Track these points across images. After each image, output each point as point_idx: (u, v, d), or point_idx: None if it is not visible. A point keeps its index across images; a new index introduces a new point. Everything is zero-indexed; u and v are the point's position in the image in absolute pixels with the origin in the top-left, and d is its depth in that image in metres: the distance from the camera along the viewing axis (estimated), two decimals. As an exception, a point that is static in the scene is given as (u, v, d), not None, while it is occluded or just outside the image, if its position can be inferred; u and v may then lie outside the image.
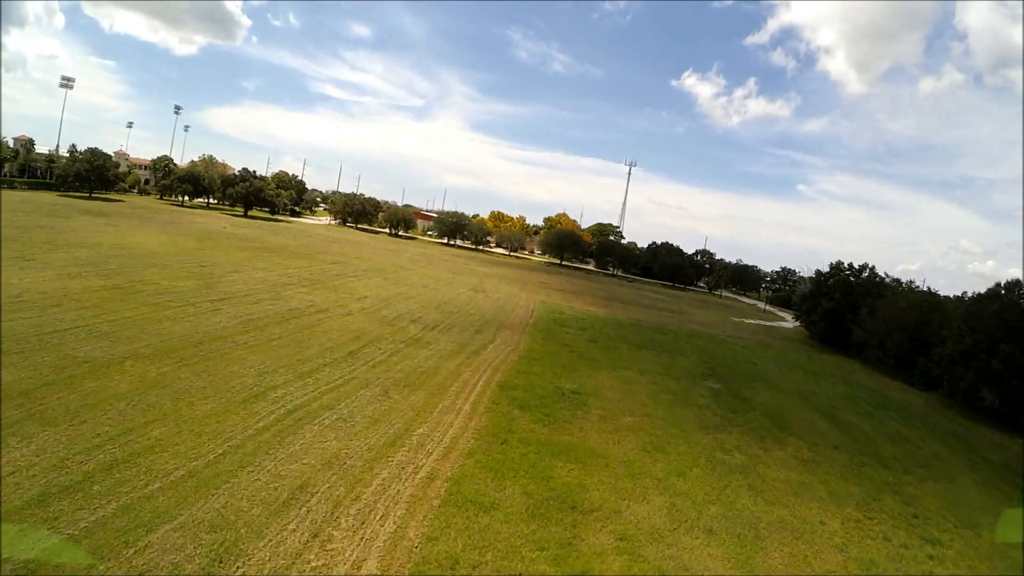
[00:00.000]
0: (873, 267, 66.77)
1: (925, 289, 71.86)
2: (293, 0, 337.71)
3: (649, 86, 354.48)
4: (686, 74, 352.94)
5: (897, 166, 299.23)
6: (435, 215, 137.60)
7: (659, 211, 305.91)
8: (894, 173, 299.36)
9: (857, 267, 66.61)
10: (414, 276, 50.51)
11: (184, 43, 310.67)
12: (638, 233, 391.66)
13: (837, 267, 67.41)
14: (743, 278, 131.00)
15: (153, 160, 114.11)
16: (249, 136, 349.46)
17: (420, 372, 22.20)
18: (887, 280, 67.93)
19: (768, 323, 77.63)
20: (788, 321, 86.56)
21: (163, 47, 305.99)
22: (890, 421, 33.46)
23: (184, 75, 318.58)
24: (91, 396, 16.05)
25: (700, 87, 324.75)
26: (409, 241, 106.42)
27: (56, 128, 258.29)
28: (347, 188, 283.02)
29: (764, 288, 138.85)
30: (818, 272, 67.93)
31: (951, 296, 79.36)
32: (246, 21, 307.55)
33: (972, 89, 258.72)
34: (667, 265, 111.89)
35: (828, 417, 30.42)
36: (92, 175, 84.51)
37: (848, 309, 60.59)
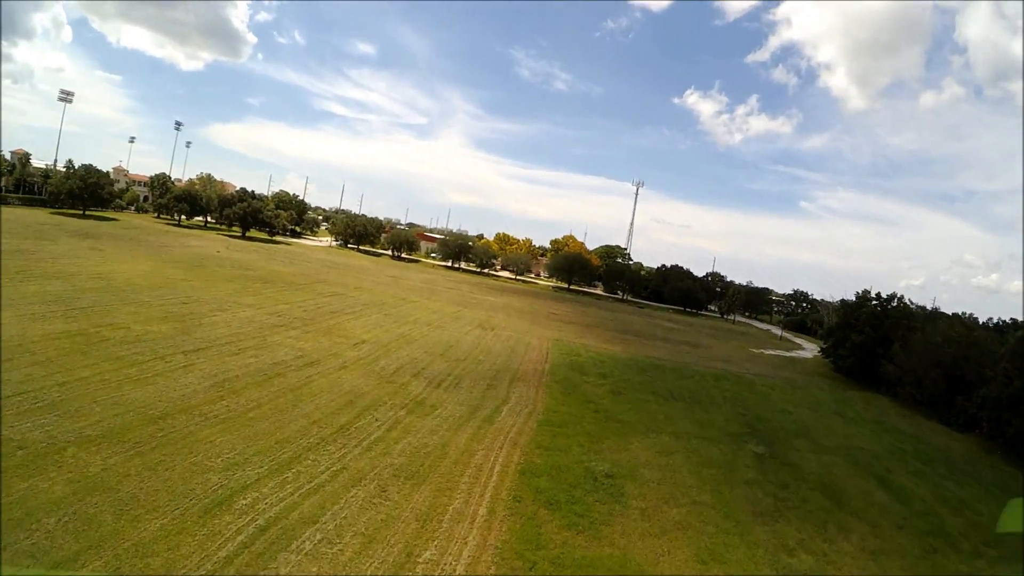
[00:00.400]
0: (902, 296, 63.42)
1: (949, 312, 68.81)
2: (298, 17, 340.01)
3: (651, 104, 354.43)
4: (688, 92, 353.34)
5: (898, 180, 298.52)
6: (439, 236, 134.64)
7: (662, 229, 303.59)
8: (895, 188, 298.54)
9: (885, 296, 63.20)
10: (417, 310, 46.95)
11: (190, 59, 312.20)
12: (641, 251, 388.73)
13: (864, 297, 63.83)
14: (754, 301, 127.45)
15: (151, 177, 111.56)
16: (254, 152, 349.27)
17: (425, 453, 18.58)
18: (913, 308, 64.56)
19: (787, 353, 73.95)
20: (806, 349, 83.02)
21: (169, 62, 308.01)
22: (944, 481, 30.09)
23: (190, 91, 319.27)
24: (17, 506, 12.61)
25: (702, 105, 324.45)
26: (412, 264, 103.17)
27: (61, 140, 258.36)
28: (351, 205, 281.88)
29: (776, 311, 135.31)
30: (843, 303, 64.33)
31: (964, 313, 76.59)
32: (252, 38, 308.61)
33: (972, 102, 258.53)
34: (678, 290, 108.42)
35: (882, 483, 27.02)
36: (85, 193, 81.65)
37: (878, 343, 57.11)
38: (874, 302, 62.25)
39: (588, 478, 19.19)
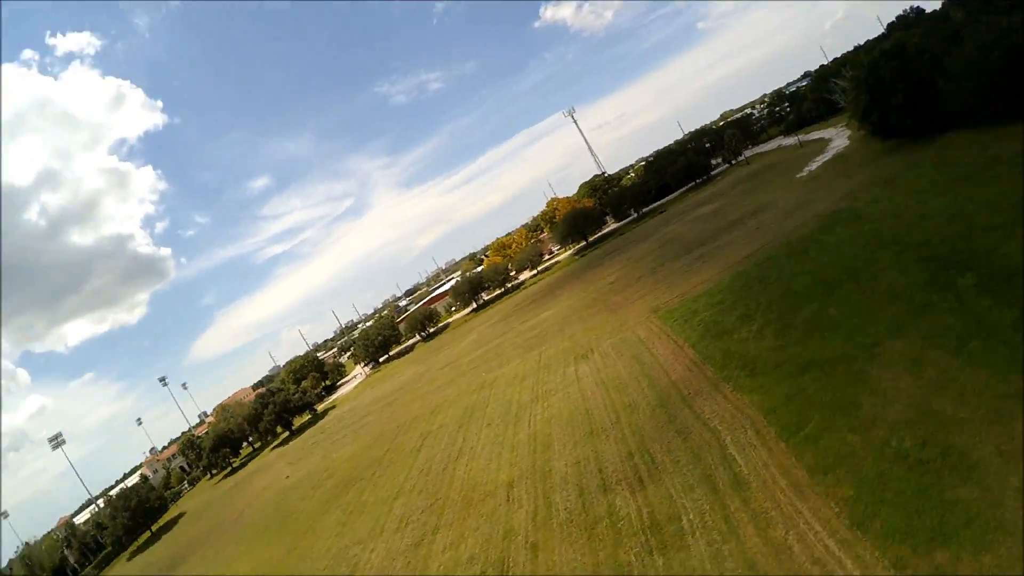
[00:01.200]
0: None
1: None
2: (183, 201, 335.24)
3: (519, 41, 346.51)
4: (542, 9, 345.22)
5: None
6: (447, 288, 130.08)
7: (605, 131, 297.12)
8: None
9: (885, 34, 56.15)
10: (515, 421, 36.08)
11: (133, 309, 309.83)
12: (604, 161, 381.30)
13: (871, 53, 56.74)
14: (747, 130, 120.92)
15: (179, 445, 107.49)
16: (240, 340, 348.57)
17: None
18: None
19: (827, 156, 66.85)
20: (832, 139, 76.44)
21: (120, 327, 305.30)
22: None
23: (153, 335, 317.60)
24: None
25: (561, 11, 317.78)
26: (446, 335, 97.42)
27: (78, 480, 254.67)
28: (349, 315, 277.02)
29: (767, 127, 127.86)
30: (863, 69, 56.45)
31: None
32: (165, 251, 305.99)
33: None
34: (678, 173, 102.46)
35: None
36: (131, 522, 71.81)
37: (921, 90, 50.27)
38: (880, 52, 54.52)
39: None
